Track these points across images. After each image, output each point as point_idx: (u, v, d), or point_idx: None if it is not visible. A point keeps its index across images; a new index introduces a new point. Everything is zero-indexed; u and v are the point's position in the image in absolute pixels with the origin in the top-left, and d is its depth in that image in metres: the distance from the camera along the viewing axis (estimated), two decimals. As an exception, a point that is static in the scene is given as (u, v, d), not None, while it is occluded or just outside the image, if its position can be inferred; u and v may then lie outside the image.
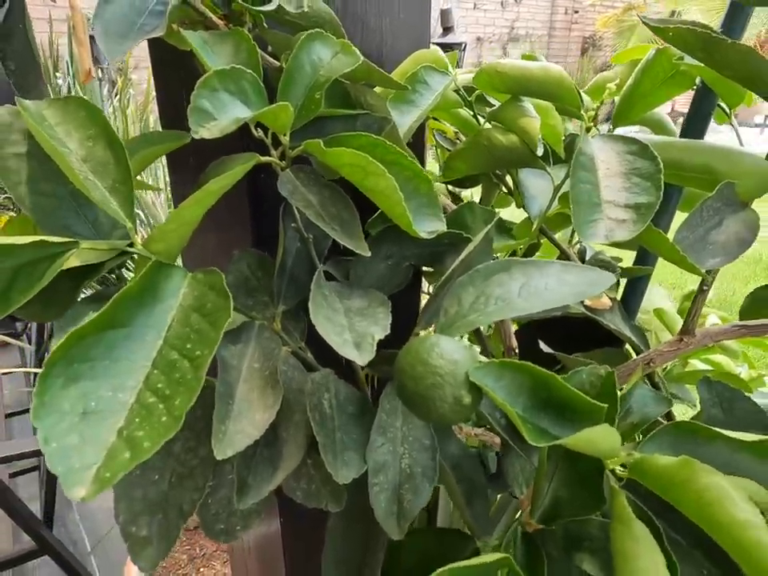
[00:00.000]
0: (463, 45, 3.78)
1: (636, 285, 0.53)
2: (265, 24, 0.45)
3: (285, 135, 0.34)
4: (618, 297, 0.67)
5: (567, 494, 0.31)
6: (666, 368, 0.89)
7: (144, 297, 0.27)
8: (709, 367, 0.95)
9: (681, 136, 0.49)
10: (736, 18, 0.41)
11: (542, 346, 0.48)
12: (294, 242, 0.35)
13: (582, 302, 0.49)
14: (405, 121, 0.42)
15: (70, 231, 0.34)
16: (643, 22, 0.39)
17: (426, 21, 0.63)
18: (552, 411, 0.25)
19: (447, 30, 3.64)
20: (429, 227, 0.31)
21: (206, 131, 0.28)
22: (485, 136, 0.46)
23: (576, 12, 11.51)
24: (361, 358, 0.24)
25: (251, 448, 0.29)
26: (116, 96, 3.65)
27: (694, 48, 0.38)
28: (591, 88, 0.56)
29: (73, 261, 0.31)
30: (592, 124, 0.40)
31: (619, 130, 0.50)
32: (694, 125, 0.47)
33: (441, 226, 0.32)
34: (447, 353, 0.25)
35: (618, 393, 0.31)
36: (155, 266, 0.28)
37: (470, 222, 0.39)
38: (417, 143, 0.57)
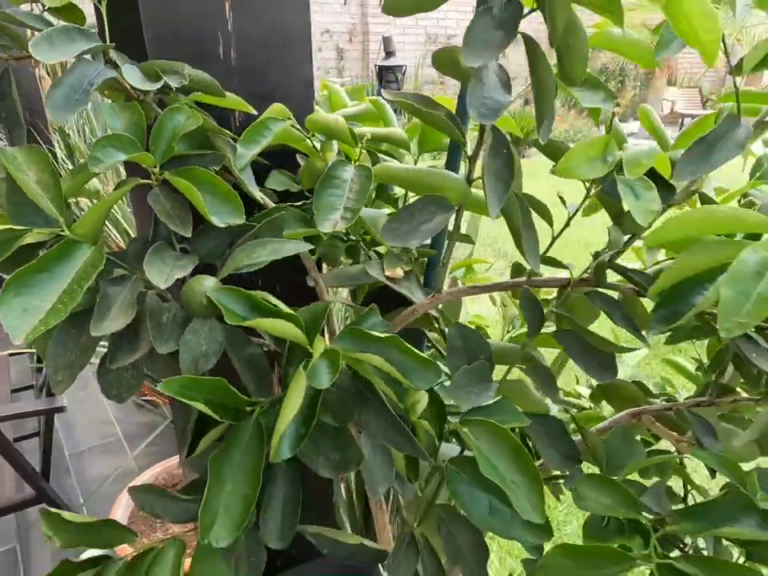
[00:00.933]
0: (404, 68, 4.06)
1: (432, 261, 0.77)
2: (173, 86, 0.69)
3: (155, 168, 0.58)
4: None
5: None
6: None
7: (60, 257, 0.51)
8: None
9: (446, 162, 0.72)
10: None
11: (348, 300, 0.72)
12: (164, 229, 0.59)
13: (384, 274, 0.73)
14: (248, 153, 0.65)
15: (31, 223, 0.58)
16: (384, 98, 0.62)
17: (309, 69, 0.87)
18: (264, 316, 0.49)
19: (389, 54, 3.92)
20: (229, 221, 0.55)
21: (98, 169, 0.52)
22: (311, 161, 0.70)
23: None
24: (164, 285, 0.48)
25: (119, 342, 0.53)
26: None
27: (412, 113, 0.61)
28: (408, 127, 0.80)
29: (29, 239, 0.55)
30: (360, 157, 0.64)
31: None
32: (452, 154, 0.70)
33: (239, 221, 0.55)
34: (203, 283, 0.48)
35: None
36: (69, 242, 0.52)
37: (285, 217, 0.63)
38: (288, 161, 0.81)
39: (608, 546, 0.48)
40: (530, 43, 0.52)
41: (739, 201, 0.86)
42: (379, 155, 0.78)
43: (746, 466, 0.60)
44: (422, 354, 0.52)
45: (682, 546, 0.63)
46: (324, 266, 0.88)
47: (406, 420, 0.58)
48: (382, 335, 0.51)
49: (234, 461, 0.49)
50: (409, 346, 0.52)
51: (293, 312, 0.49)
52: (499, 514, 0.51)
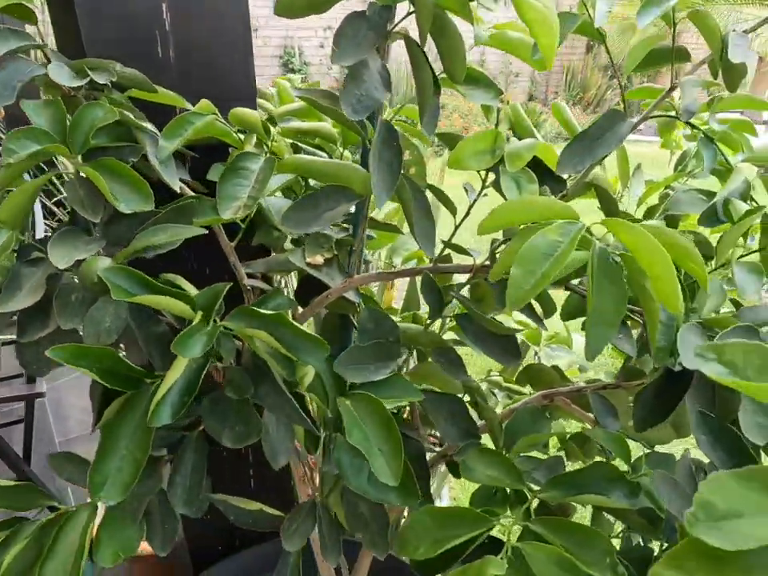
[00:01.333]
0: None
1: (352, 248, 0.80)
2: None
3: (74, 158, 0.62)
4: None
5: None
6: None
7: (-24, 240, 0.55)
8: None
9: (361, 155, 0.76)
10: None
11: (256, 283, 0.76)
12: (83, 216, 0.64)
13: (305, 261, 0.77)
14: (170, 145, 0.69)
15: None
16: (298, 96, 0.66)
17: (249, 66, 0.91)
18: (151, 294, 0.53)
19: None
20: (136, 208, 0.59)
21: (12, 159, 0.57)
22: (233, 154, 0.74)
23: (580, 10, 11.66)
24: (63, 266, 0.52)
25: (29, 318, 0.57)
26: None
27: (316, 109, 0.65)
28: (334, 122, 0.84)
29: (-48, 225, 0.59)
30: (272, 149, 0.68)
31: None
32: (365, 148, 0.74)
33: (146, 207, 0.60)
34: (96, 264, 0.53)
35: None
36: (-14, 227, 0.57)
37: (196, 205, 0.67)
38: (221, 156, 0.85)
39: (468, 509, 0.52)
40: (410, 44, 0.56)
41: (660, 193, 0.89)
42: (305, 147, 0.82)
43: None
44: (307, 331, 0.56)
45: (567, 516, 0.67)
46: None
47: (302, 395, 0.62)
48: (268, 312, 0.55)
49: (128, 428, 0.54)
50: (294, 323, 0.56)
51: (184, 292, 0.54)
52: (375, 481, 0.55)
